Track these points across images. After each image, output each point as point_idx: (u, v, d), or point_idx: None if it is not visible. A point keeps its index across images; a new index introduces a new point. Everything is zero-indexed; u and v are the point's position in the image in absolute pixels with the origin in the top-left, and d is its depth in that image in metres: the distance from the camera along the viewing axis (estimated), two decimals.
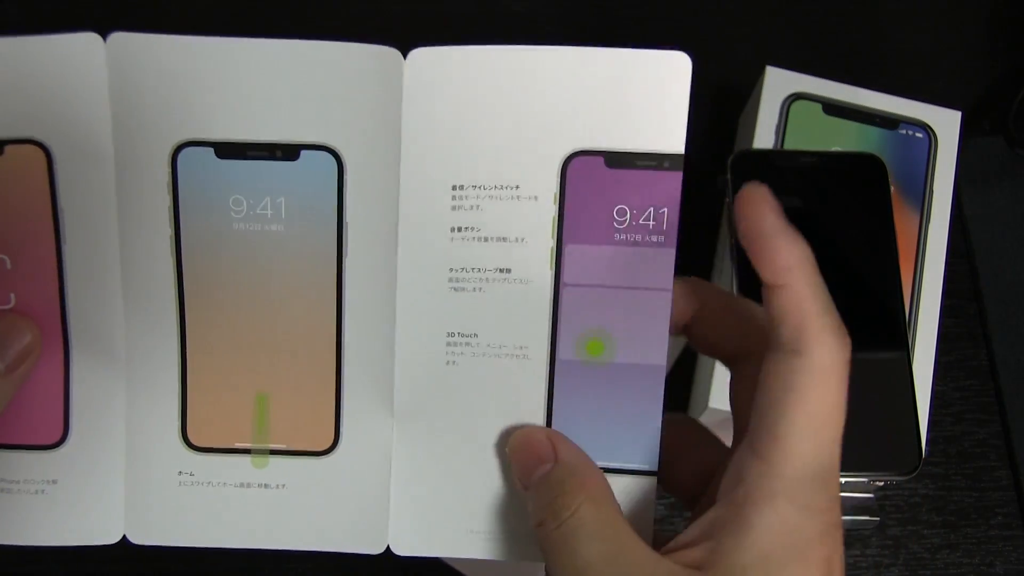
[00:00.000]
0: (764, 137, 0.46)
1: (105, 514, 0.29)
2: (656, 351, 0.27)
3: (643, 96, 0.27)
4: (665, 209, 0.27)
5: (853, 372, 0.43)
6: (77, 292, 0.28)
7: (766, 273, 0.25)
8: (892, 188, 0.45)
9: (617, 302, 0.27)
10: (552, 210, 0.27)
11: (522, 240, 0.27)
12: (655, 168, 0.27)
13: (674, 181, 0.27)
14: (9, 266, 0.28)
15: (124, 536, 0.29)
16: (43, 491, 0.29)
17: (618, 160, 0.27)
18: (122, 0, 0.53)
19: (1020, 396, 0.48)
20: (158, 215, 0.27)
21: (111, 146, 0.27)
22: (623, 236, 0.27)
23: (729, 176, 0.44)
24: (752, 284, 0.43)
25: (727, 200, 0.44)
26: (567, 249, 0.27)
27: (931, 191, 0.46)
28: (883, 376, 0.42)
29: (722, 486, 0.25)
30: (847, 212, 0.44)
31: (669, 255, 0.27)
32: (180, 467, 0.29)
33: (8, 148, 0.27)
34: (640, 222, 0.27)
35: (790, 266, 0.24)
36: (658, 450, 0.27)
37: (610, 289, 0.27)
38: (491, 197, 0.27)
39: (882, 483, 0.42)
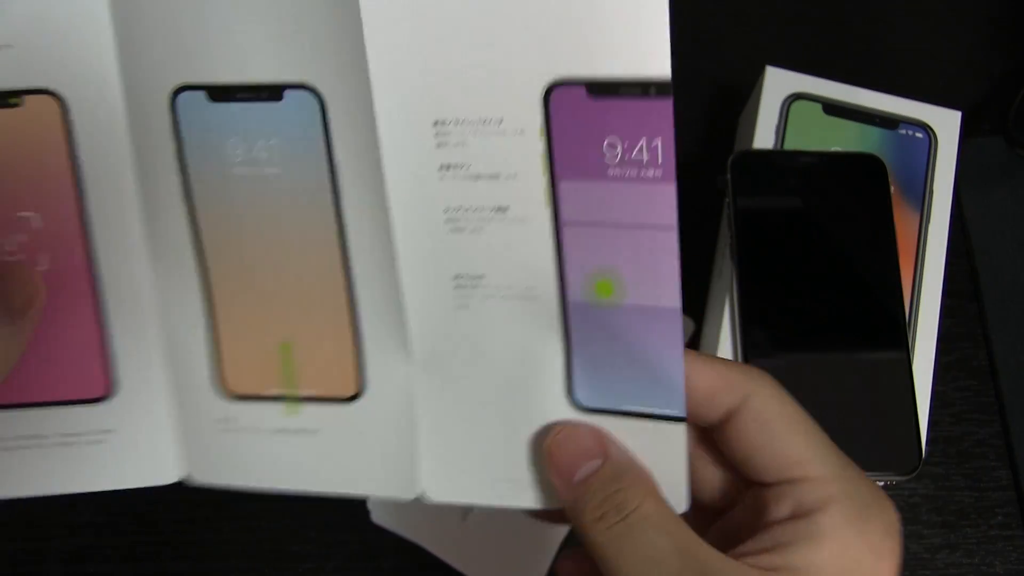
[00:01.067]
0: (764, 137, 0.46)
1: (160, 457, 0.30)
2: (668, 293, 0.26)
3: (620, 17, 0.25)
4: (658, 140, 0.25)
5: (853, 372, 0.44)
6: (104, 246, 0.28)
7: None
8: (892, 188, 0.45)
9: (621, 242, 0.26)
10: (540, 145, 0.26)
11: (514, 176, 0.26)
12: (641, 96, 0.25)
13: (664, 109, 0.25)
14: (39, 223, 0.28)
15: (180, 479, 0.30)
16: (100, 441, 0.29)
17: (601, 89, 0.25)
18: None
19: (1020, 396, 0.48)
20: (166, 162, 0.27)
21: (120, 93, 0.27)
22: (617, 171, 0.26)
23: (729, 176, 0.44)
24: (752, 284, 0.43)
25: (727, 200, 0.44)
26: (561, 186, 0.26)
27: (931, 191, 0.46)
28: (883, 376, 0.42)
29: (767, 520, 0.26)
30: (847, 212, 0.45)
31: (669, 190, 0.25)
32: (218, 414, 0.29)
33: (28, 99, 0.27)
34: (633, 156, 0.25)
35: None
36: (683, 396, 0.27)
37: (611, 228, 0.26)
38: (476, 133, 0.26)
39: (882, 483, 0.42)
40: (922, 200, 0.46)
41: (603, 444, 0.26)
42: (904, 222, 0.45)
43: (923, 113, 0.47)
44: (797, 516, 0.25)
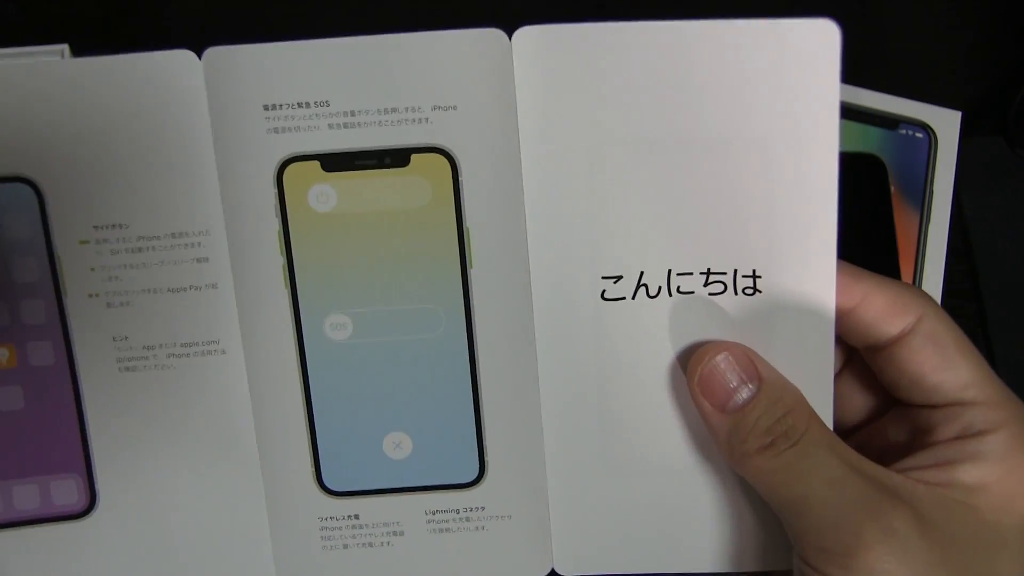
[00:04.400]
0: None
1: None
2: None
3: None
4: None
5: None
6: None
7: (844, 301, 0.26)
8: (892, 188, 0.45)
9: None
10: None
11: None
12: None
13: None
14: None
15: None
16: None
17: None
18: (116, 8, 0.53)
19: (1020, 396, 0.48)
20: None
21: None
22: None
23: None
24: None
25: None
26: None
27: (931, 191, 0.46)
28: None
29: (934, 439, 0.25)
30: (847, 212, 0.44)
31: None
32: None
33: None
34: None
35: (855, 278, 0.27)
36: None
37: None
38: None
39: None
40: (922, 200, 0.46)
41: (755, 365, 0.25)
42: (904, 222, 0.45)
43: (923, 113, 0.47)
44: (964, 435, 0.25)
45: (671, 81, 0.24)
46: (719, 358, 0.25)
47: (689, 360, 0.26)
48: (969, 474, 0.24)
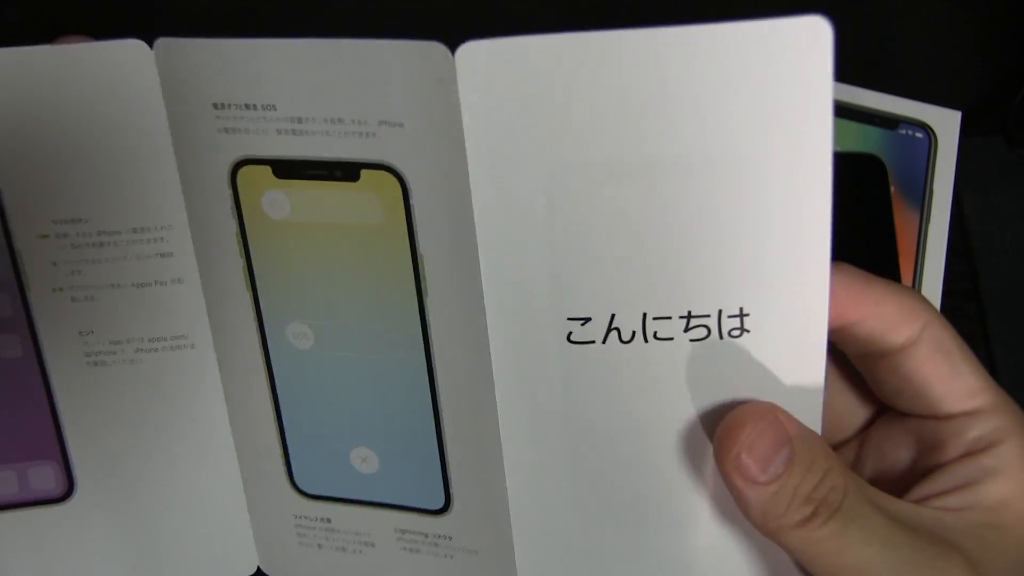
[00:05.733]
0: None
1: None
2: None
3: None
4: None
5: None
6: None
7: (852, 315, 0.25)
8: (892, 188, 0.45)
9: None
10: None
11: None
12: None
13: None
14: None
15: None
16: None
17: None
18: (116, 9, 0.53)
19: (1020, 396, 0.48)
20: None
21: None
22: None
23: None
24: None
25: None
26: None
27: (931, 191, 0.46)
28: None
29: (943, 455, 0.24)
30: (847, 212, 0.44)
31: None
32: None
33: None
34: None
35: (863, 287, 0.25)
36: None
37: None
38: None
39: None
40: (922, 200, 0.46)
41: (784, 426, 0.22)
42: (904, 222, 0.45)
43: (923, 113, 0.47)
44: (975, 451, 0.24)
45: (640, 97, 0.21)
46: (749, 430, 0.22)
47: (716, 433, 0.23)
48: (990, 492, 0.23)
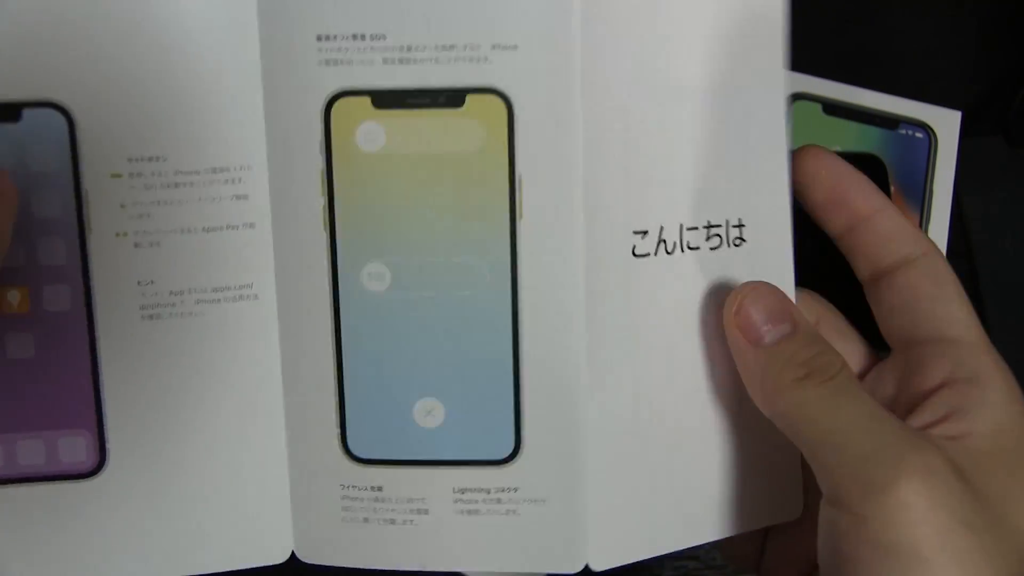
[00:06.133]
0: None
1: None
2: None
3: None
4: None
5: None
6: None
7: (863, 203, 0.26)
8: (892, 188, 0.45)
9: None
10: None
11: None
12: None
13: None
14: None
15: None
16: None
17: None
18: None
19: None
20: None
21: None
22: None
23: None
24: None
25: None
26: None
27: (931, 191, 0.46)
28: None
29: (924, 377, 0.25)
30: None
31: None
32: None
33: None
34: None
35: (874, 192, 0.27)
36: None
37: None
38: None
39: None
40: (922, 200, 0.46)
41: (791, 308, 0.25)
42: None
43: (923, 113, 0.47)
44: (958, 379, 0.25)
45: (684, 29, 0.25)
46: (756, 294, 0.25)
47: (726, 301, 0.25)
48: (982, 422, 0.24)
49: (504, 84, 0.24)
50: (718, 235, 0.26)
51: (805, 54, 0.54)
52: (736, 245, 0.26)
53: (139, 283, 0.26)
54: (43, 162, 0.25)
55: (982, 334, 0.26)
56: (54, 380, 0.26)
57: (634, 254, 0.25)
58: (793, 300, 0.26)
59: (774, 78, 0.26)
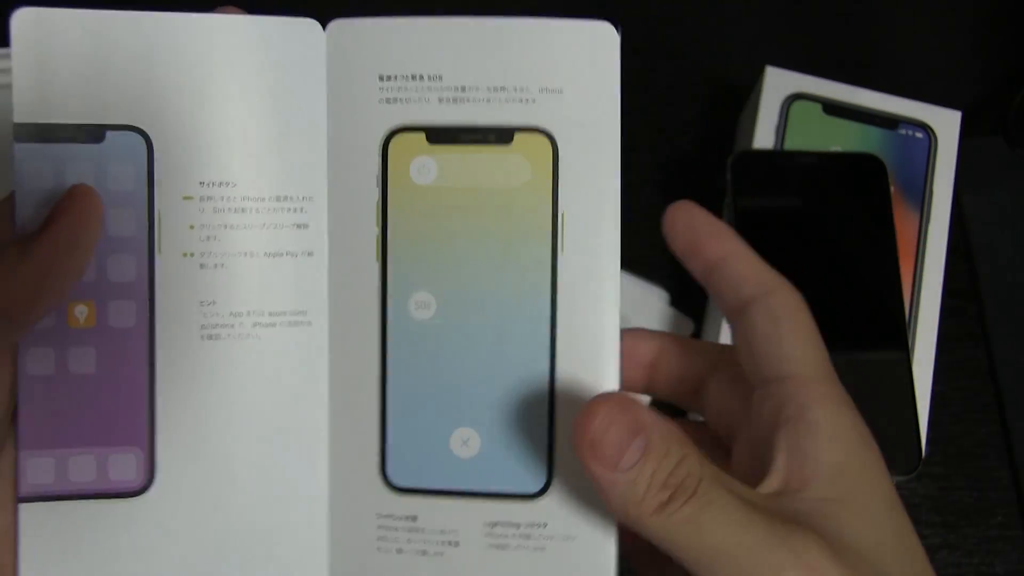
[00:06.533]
0: (764, 137, 0.46)
1: None
2: None
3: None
4: None
5: (853, 372, 0.44)
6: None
7: (715, 248, 0.27)
8: (892, 188, 0.45)
9: None
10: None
11: None
12: None
13: None
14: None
15: None
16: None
17: None
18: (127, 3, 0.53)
19: (1020, 396, 0.48)
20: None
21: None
22: None
23: (729, 176, 0.44)
24: None
25: (727, 200, 0.44)
26: None
27: (931, 191, 0.46)
28: (883, 376, 0.42)
29: (758, 418, 0.26)
30: (847, 212, 0.45)
31: None
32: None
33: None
34: None
35: (728, 239, 0.27)
36: None
37: None
38: None
39: None
40: (922, 200, 0.46)
41: (638, 414, 0.23)
42: (904, 222, 0.45)
43: (923, 113, 0.47)
44: (788, 419, 0.25)
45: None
46: (603, 415, 0.23)
47: (573, 421, 0.23)
48: (818, 463, 0.24)
49: (550, 124, 0.27)
50: None
51: (805, 54, 0.54)
52: None
53: (201, 303, 0.26)
54: (121, 182, 0.26)
55: (819, 367, 0.25)
56: (111, 396, 0.26)
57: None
58: (617, 362, 0.26)
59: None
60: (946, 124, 0.47)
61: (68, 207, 0.25)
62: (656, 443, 0.22)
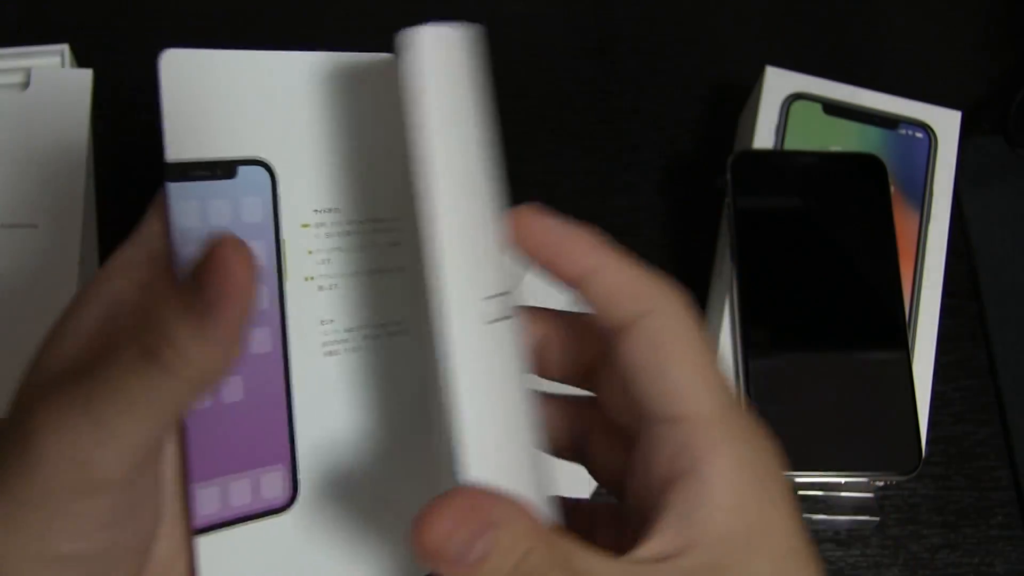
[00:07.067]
0: (764, 137, 0.46)
1: None
2: None
3: None
4: None
5: (854, 372, 0.44)
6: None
7: (570, 266, 0.23)
8: (892, 188, 0.45)
9: None
10: None
11: None
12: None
13: None
14: None
15: None
16: None
17: None
18: (116, 9, 0.53)
19: (1020, 396, 0.48)
20: None
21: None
22: None
23: (729, 176, 0.44)
24: (752, 284, 0.43)
25: (727, 200, 0.44)
26: None
27: (931, 191, 0.46)
28: (883, 376, 0.42)
29: (654, 467, 0.23)
30: (847, 212, 0.44)
31: None
32: None
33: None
34: None
35: (593, 248, 0.23)
36: None
37: None
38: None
39: (882, 483, 0.42)
40: (922, 200, 0.46)
41: (482, 511, 0.21)
42: (904, 222, 0.45)
43: (923, 113, 0.47)
44: (679, 473, 0.22)
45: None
46: (443, 520, 0.21)
47: (414, 519, 0.21)
48: (697, 531, 0.21)
49: None
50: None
51: (805, 54, 0.54)
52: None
53: (321, 322, 0.28)
54: (253, 214, 0.27)
55: (712, 400, 0.22)
56: (258, 419, 0.27)
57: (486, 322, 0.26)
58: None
59: None
60: (946, 124, 0.47)
61: (241, 278, 0.21)
62: (501, 536, 0.21)
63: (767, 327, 0.42)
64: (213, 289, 0.20)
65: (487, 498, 0.21)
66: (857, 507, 0.44)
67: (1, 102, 0.45)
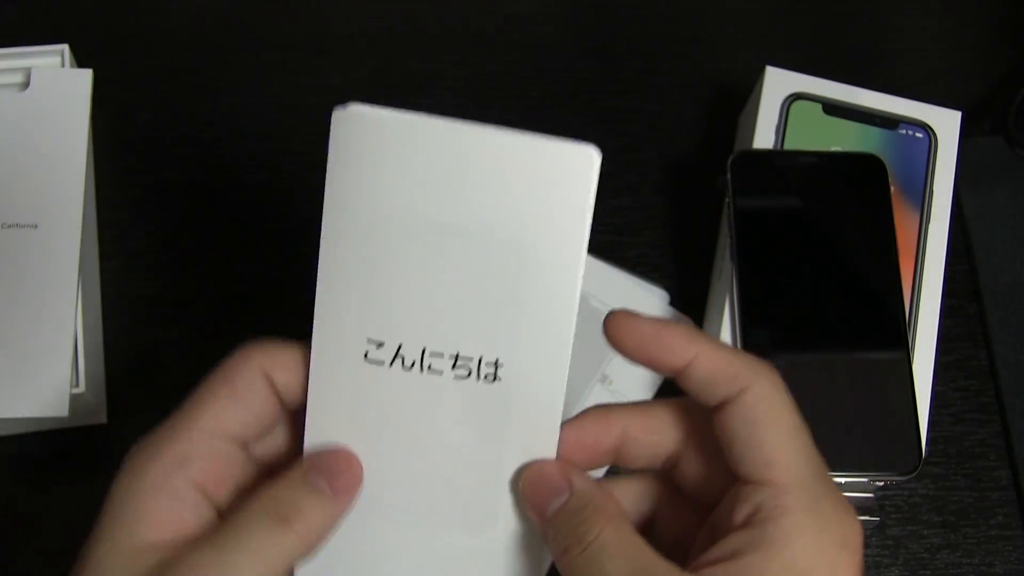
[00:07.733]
0: (764, 137, 0.46)
1: None
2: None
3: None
4: None
5: (854, 372, 0.44)
6: None
7: (671, 359, 0.27)
8: (892, 188, 0.45)
9: None
10: None
11: None
12: None
13: None
14: None
15: None
16: None
17: None
18: (116, 9, 0.53)
19: (1020, 396, 0.48)
20: None
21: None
22: None
23: (729, 176, 0.44)
24: (752, 284, 0.43)
25: (727, 200, 0.44)
26: None
27: (931, 191, 0.46)
28: (883, 376, 0.42)
29: (732, 520, 0.26)
30: (847, 212, 0.44)
31: None
32: None
33: None
34: None
35: (689, 340, 0.27)
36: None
37: None
38: None
39: (882, 483, 0.42)
40: (922, 200, 0.46)
41: (568, 478, 0.27)
42: (904, 222, 0.45)
43: (923, 113, 0.47)
44: (753, 523, 0.25)
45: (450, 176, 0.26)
46: (539, 472, 0.28)
47: (522, 478, 0.28)
48: (753, 567, 0.24)
49: None
50: (466, 367, 0.27)
51: (805, 54, 0.54)
52: (488, 381, 0.28)
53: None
54: None
55: (801, 470, 0.26)
56: None
57: (366, 358, 0.27)
58: (556, 439, 0.28)
59: (560, 237, 0.27)
60: (946, 124, 0.47)
61: (359, 477, 0.28)
62: (571, 503, 0.27)
63: (767, 327, 0.42)
64: (342, 480, 0.27)
65: (577, 472, 0.28)
66: (857, 507, 0.44)
67: (1, 102, 0.45)
